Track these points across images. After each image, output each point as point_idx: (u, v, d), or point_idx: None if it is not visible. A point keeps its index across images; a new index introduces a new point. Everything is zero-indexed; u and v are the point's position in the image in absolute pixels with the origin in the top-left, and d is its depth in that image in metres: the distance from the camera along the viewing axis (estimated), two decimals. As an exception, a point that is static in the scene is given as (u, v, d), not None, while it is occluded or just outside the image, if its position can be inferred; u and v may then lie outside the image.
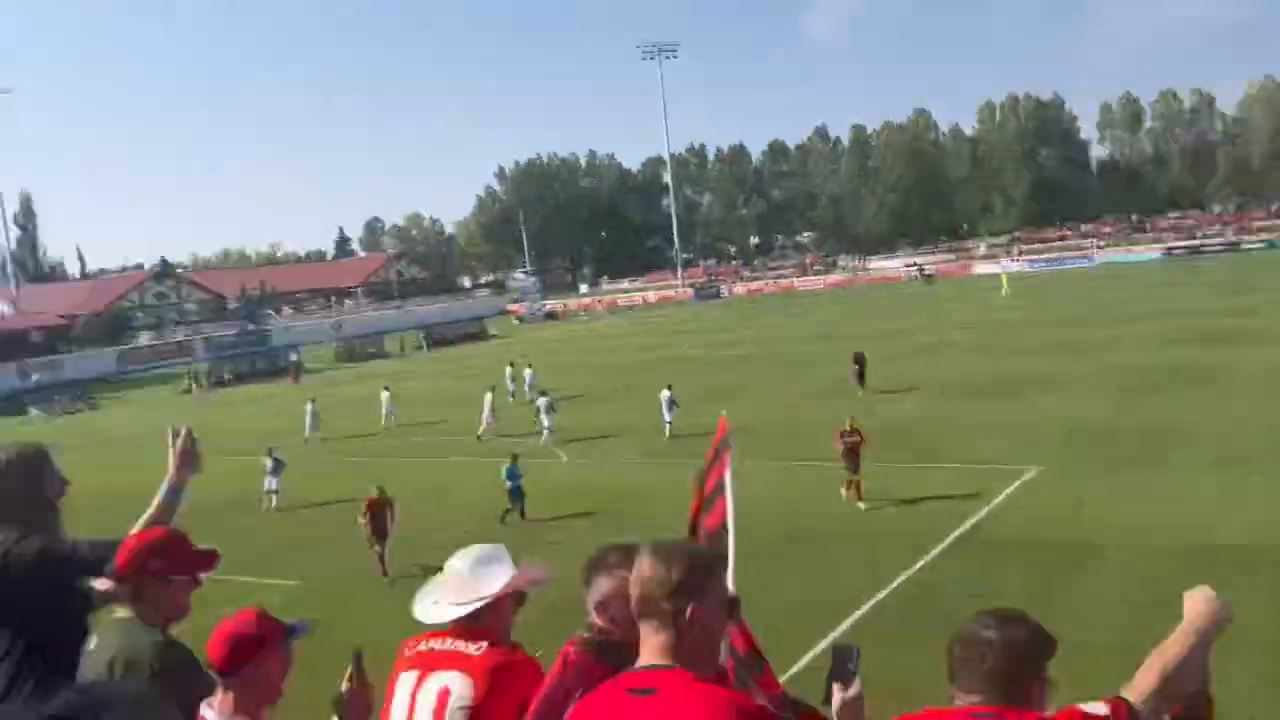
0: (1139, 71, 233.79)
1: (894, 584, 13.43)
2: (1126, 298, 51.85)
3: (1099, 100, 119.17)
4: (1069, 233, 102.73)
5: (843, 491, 17.92)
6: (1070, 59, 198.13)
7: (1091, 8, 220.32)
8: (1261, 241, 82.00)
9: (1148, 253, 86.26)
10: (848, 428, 18.26)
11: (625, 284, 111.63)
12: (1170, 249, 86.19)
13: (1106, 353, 32.88)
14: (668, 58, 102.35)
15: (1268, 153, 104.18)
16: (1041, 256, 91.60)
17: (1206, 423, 21.41)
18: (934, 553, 14.58)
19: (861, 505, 17.46)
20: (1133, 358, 31.28)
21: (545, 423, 27.32)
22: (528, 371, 36.50)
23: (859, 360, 29.98)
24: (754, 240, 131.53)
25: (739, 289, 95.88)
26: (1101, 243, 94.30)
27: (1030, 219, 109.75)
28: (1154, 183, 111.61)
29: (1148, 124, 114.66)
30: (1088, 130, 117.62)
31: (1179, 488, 16.71)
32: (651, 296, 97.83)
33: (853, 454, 18.01)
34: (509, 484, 18.92)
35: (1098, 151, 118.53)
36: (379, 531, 16.48)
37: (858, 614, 12.47)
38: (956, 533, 15.43)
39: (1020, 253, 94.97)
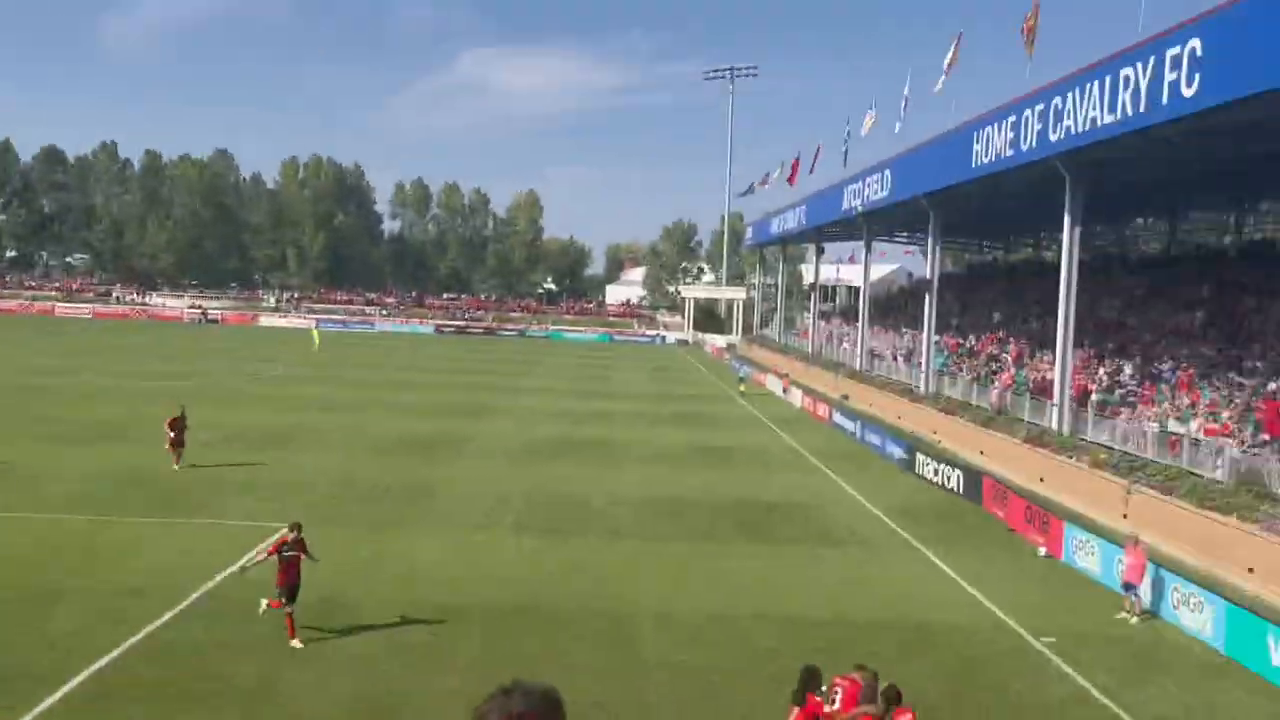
0: (430, 162, 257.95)
1: (136, 639, 13.32)
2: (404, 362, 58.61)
3: (395, 179, 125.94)
4: (356, 298, 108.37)
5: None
6: (373, 136, 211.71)
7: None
8: (513, 331, 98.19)
9: (423, 325, 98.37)
10: None
11: None
12: (440, 327, 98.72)
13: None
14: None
15: (525, 256, 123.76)
16: (330, 317, 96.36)
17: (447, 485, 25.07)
18: (180, 608, 14.63)
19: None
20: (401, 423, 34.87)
21: None
22: None
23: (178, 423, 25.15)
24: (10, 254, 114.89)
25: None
26: (385, 311, 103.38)
27: (321, 278, 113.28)
28: (434, 262, 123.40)
29: (434, 210, 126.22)
30: (382, 205, 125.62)
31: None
32: None
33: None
34: None
35: (390, 226, 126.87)
36: None
37: (92, 669, 12.22)
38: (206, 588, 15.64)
39: (309, 311, 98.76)
